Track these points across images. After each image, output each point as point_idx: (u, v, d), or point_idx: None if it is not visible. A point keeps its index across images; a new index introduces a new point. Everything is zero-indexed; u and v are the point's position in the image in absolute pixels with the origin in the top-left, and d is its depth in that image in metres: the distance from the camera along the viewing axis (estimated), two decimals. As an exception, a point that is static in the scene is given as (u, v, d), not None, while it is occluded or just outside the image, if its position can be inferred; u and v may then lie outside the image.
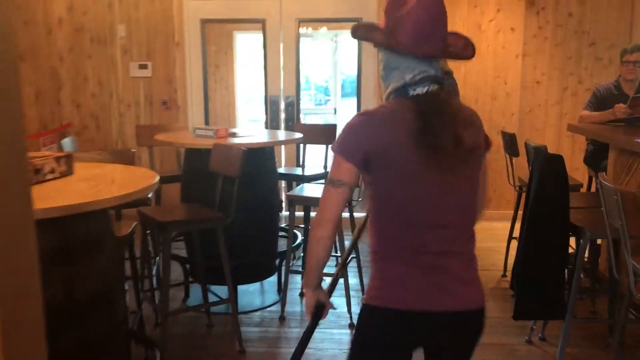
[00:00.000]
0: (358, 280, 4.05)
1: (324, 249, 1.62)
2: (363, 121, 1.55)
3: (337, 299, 4.00)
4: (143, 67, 5.93)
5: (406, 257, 1.55)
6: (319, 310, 1.74)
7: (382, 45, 1.61)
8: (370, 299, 1.60)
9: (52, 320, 1.31)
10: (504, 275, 4.41)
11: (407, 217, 1.53)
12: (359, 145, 1.52)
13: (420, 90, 1.55)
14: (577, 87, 5.76)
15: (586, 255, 3.81)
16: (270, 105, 5.97)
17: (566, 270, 3.20)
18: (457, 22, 5.73)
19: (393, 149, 1.50)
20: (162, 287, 2.99)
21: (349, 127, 1.55)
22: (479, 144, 1.62)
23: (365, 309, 1.63)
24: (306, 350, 3.23)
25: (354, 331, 1.96)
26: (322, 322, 3.62)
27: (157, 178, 2.33)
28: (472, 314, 1.61)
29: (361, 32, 1.62)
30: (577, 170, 5.24)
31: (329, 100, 11.61)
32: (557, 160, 2.90)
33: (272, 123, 5.95)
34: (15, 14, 5.94)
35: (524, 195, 3.62)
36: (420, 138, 1.48)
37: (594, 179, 4.40)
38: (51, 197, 1.76)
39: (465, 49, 1.62)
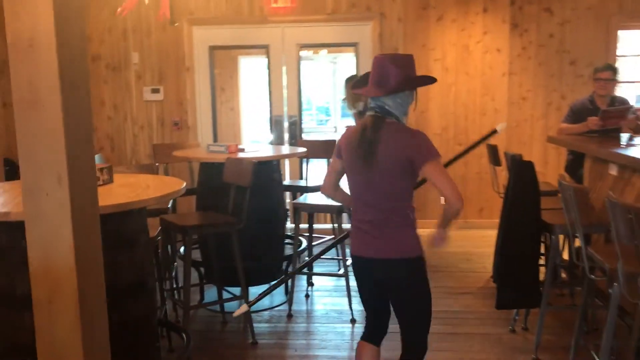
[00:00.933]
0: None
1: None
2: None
3: (340, 299, 4.40)
4: (155, 91, 6.39)
5: (354, 222, 2.47)
6: None
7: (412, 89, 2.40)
8: None
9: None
10: (492, 276, 4.78)
11: (354, 197, 2.46)
12: None
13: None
14: (560, 102, 6.19)
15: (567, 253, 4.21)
16: (275, 124, 6.41)
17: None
18: (447, 45, 6.18)
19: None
20: (184, 282, 3.38)
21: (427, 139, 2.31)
22: (395, 155, 2.28)
23: None
24: (312, 341, 3.64)
25: None
26: (328, 317, 4.01)
27: (184, 184, 2.75)
28: (383, 261, 2.38)
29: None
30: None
31: (329, 119, 12.06)
32: (529, 166, 3.32)
33: (276, 141, 6.39)
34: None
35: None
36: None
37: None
38: (102, 199, 2.16)
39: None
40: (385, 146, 2.28)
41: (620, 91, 6.16)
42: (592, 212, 3.11)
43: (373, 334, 2.64)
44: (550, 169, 6.15)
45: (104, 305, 1.96)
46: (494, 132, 2.92)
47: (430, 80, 2.45)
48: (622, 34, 6.26)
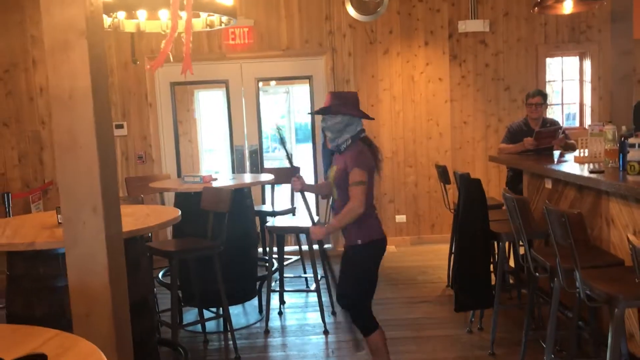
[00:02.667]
0: (328, 297, 4.79)
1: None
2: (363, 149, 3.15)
3: (311, 314, 4.74)
4: (119, 126, 6.62)
5: (375, 215, 3.31)
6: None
7: (350, 114, 3.15)
8: None
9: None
10: (448, 285, 5.23)
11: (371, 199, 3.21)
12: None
13: (363, 135, 3.21)
14: (497, 125, 6.78)
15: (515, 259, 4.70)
16: (236, 153, 6.75)
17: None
18: (393, 75, 6.71)
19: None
20: (172, 304, 3.66)
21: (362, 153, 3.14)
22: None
23: None
24: (290, 353, 3.95)
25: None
26: (303, 331, 4.35)
27: (179, 212, 3.06)
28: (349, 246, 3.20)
29: (342, 109, 3.16)
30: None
31: (287, 148, 12.41)
32: (476, 183, 3.79)
33: (238, 169, 6.72)
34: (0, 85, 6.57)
35: (457, 214, 4.49)
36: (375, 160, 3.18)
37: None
38: (114, 226, 2.46)
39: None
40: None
41: (550, 113, 6.85)
42: (533, 221, 3.60)
43: None
44: (492, 186, 6.71)
45: (129, 316, 2.26)
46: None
47: (362, 115, 3.22)
48: (549, 61, 6.95)
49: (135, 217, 2.91)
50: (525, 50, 6.75)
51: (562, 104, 7.22)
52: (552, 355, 3.08)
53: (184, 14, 3.90)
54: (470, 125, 6.85)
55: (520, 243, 3.52)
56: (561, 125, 5.39)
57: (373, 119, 3.75)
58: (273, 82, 10.17)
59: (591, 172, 3.60)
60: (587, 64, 6.87)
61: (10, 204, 5.34)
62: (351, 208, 3.05)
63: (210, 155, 9.90)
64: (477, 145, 6.86)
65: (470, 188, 3.81)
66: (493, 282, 4.02)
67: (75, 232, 2.06)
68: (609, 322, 2.48)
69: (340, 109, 3.14)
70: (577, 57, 6.99)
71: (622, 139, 3.59)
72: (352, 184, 3.07)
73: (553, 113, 7.11)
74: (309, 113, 3.44)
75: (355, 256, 3.19)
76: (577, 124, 7.07)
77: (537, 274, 3.21)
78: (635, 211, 3.27)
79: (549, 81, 7.06)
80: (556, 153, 4.97)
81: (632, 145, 3.19)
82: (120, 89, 6.61)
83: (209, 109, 9.38)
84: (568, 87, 7.17)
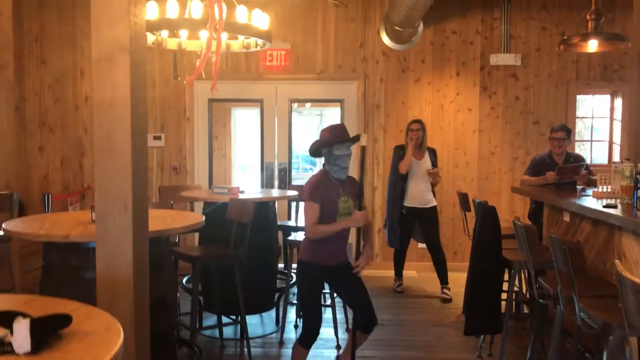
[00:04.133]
0: (343, 314, 4.93)
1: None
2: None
3: (326, 329, 4.87)
4: (157, 138, 6.94)
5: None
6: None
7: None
8: None
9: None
10: (463, 312, 5.30)
11: None
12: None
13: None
14: (525, 157, 6.85)
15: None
16: (266, 170, 6.99)
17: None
18: (424, 103, 6.87)
19: None
20: (192, 306, 3.85)
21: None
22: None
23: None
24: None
25: None
26: (315, 344, 4.49)
27: (203, 217, 3.28)
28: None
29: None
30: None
31: (312, 168, 12.66)
32: (492, 211, 3.91)
33: (267, 185, 6.94)
34: (48, 92, 6.97)
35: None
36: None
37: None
38: (142, 226, 2.67)
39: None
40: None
41: (581, 149, 6.91)
42: (543, 251, 3.69)
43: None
44: (516, 217, 6.76)
45: (148, 310, 2.46)
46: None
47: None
48: (581, 97, 7.03)
49: (162, 220, 3.13)
50: (556, 86, 6.85)
51: (592, 140, 7.26)
52: (553, 382, 3.16)
53: (224, 36, 4.17)
54: (497, 156, 6.94)
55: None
56: (586, 161, 5.44)
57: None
58: (308, 104, 10.45)
59: (604, 206, 3.68)
60: (618, 102, 6.91)
61: (50, 204, 5.67)
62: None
63: (243, 172, 10.20)
64: (504, 177, 6.94)
65: (486, 215, 3.93)
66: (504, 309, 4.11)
67: (106, 226, 2.28)
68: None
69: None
70: (609, 95, 7.04)
71: (637, 176, 3.67)
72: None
73: (583, 149, 7.17)
74: (350, 140, 3.36)
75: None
76: (605, 162, 7.09)
77: (541, 300, 3.30)
78: (645, 247, 3.34)
79: (580, 117, 7.13)
80: (579, 188, 5.04)
81: (643, 182, 3.28)
82: (160, 102, 6.94)
83: (244, 126, 9.67)
84: (598, 124, 7.22)
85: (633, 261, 3.51)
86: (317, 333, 3.31)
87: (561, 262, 2.78)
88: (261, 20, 3.92)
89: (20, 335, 1.25)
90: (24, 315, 1.31)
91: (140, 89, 2.32)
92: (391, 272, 6.89)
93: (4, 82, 5.44)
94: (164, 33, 4.14)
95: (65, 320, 1.36)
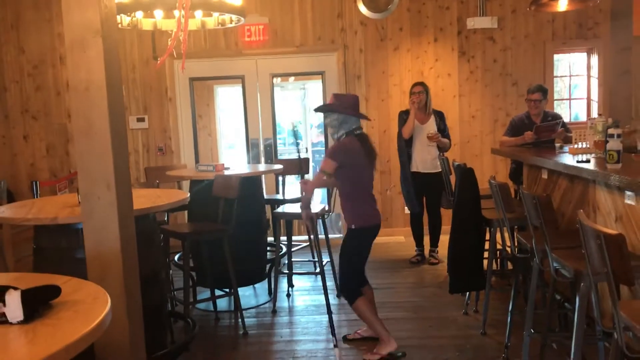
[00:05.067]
0: (333, 281, 5.06)
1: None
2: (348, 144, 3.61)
3: (317, 296, 5.01)
4: (141, 120, 6.98)
5: (371, 203, 3.82)
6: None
7: (345, 113, 3.61)
8: None
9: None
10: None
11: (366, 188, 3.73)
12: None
13: (358, 132, 3.59)
14: (505, 119, 6.93)
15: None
16: (251, 147, 7.05)
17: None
18: (403, 71, 6.93)
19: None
20: (184, 281, 3.96)
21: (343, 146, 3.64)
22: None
23: None
24: (295, 330, 4.23)
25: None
26: (308, 311, 4.58)
27: (188, 194, 3.36)
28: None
29: (338, 108, 3.63)
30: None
31: (300, 142, 12.71)
32: (470, 172, 4.02)
33: (254, 162, 7.02)
34: (29, 80, 6.97)
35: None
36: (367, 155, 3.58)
37: (517, 191, 5.52)
38: (127, 204, 2.75)
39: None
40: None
41: (561, 108, 7.01)
42: (518, 207, 3.81)
43: (365, 280, 3.93)
44: (499, 178, 6.85)
45: (138, 284, 2.56)
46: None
47: (357, 115, 3.70)
48: (559, 56, 7.10)
49: (147, 198, 3.21)
50: (533, 46, 6.91)
51: (570, 98, 7.36)
52: (532, 331, 3.30)
53: (198, 14, 4.20)
54: (478, 120, 7.03)
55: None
56: (562, 119, 5.54)
57: (369, 119, 4.18)
58: (292, 79, 10.48)
59: (578, 162, 3.79)
60: (595, 59, 7.00)
61: (38, 191, 5.72)
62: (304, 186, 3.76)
63: (231, 150, 10.26)
64: (485, 139, 7.04)
65: (464, 176, 4.04)
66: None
67: (91, 206, 2.36)
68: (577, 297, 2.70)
69: (338, 108, 3.63)
70: (585, 53, 7.12)
71: (608, 129, 3.77)
72: (319, 170, 3.69)
73: (560, 108, 7.27)
74: (315, 110, 3.93)
75: (349, 238, 3.72)
76: (585, 119, 7.20)
77: (520, 255, 3.43)
78: (617, 198, 3.46)
79: (559, 76, 7.22)
80: (557, 145, 5.15)
81: (611, 136, 3.38)
82: (141, 84, 6.96)
83: (228, 104, 9.70)
84: (577, 82, 7.31)
85: (606, 212, 3.64)
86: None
87: (534, 216, 2.90)
88: (234, -4, 3.96)
89: (13, 306, 1.34)
90: (15, 288, 1.41)
91: (115, 71, 2.38)
92: (379, 239, 7.05)
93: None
94: (139, 14, 4.17)
95: (54, 291, 1.46)
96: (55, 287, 1.46)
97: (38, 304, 1.39)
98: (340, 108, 3.63)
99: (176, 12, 4.12)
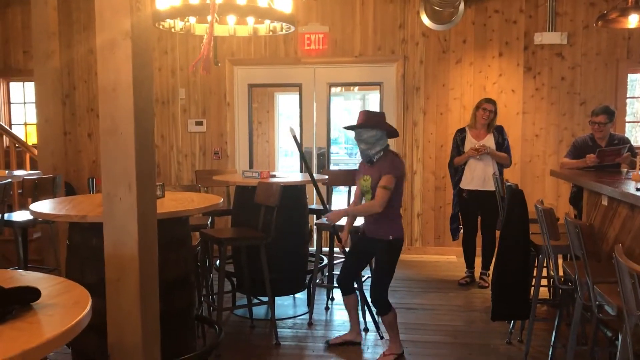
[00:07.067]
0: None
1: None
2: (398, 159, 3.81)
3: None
4: (199, 123, 7.09)
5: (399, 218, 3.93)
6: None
7: (386, 130, 3.77)
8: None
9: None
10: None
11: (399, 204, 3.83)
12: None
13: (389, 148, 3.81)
14: (570, 140, 6.57)
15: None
16: (306, 155, 7.02)
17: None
18: (465, 85, 6.73)
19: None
20: (219, 287, 3.95)
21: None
22: None
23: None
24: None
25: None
26: (344, 326, 4.46)
27: (222, 199, 3.35)
28: (376, 239, 3.80)
29: (381, 125, 3.76)
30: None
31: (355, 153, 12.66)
32: (519, 193, 3.80)
33: (306, 170, 6.97)
34: (96, 80, 7.23)
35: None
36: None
37: (576, 217, 5.21)
38: (158, 208, 2.75)
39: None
40: None
41: (633, 130, 6.60)
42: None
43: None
44: (561, 201, 6.56)
45: (157, 286, 2.54)
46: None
47: (391, 131, 3.82)
48: (633, 77, 6.69)
49: (180, 202, 3.22)
50: (605, 65, 6.55)
51: (644, 121, 6.92)
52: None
53: (250, 20, 4.21)
54: (541, 139, 6.73)
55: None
56: (630, 143, 5.19)
57: (398, 135, 4.15)
58: (356, 88, 10.42)
59: (637, 189, 3.52)
60: (673, 81, 6.56)
61: (95, 188, 5.89)
62: (372, 205, 3.72)
63: (287, 158, 10.33)
64: (548, 160, 6.72)
65: (514, 198, 3.83)
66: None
67: (112, 207, 2.37)
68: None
69: (378, 125, 3.72)
70: (663, 74, 6.69)
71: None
72: (380, 187, 3.67)
73: (637, 130, 6.85)
74: (347, 128, 3.95)
75: (385, 250, 3.80)
76: (659, 144, 6.76)
77: (563, 285, 3.21)
78: (679, 231, 3.18)
79: (634, 97, 6.80)
80: (624, 171, 4.83)
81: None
82: (202, 88, 7.08)
83: (287, 112, 9.75)
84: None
85: (667, 246, 3.35)
86: None
87: (576, 246, 2.69)
88: (284, 3, 3.93)
89: (-15, 305, 1.33)
90: (-3, 288, 1.40)
91: (144, 73, 2.38)
92: (430, 257, 6.87)
93: (51, 71, 5.68)
94: (192, 19, 4.21)
95: (33, 293, 1.44)
96: (34, 290, 1.45)
97: (13, 304, 1.38)
98: (383, 125, 3.75)
99: (230, 18, 4.15)
